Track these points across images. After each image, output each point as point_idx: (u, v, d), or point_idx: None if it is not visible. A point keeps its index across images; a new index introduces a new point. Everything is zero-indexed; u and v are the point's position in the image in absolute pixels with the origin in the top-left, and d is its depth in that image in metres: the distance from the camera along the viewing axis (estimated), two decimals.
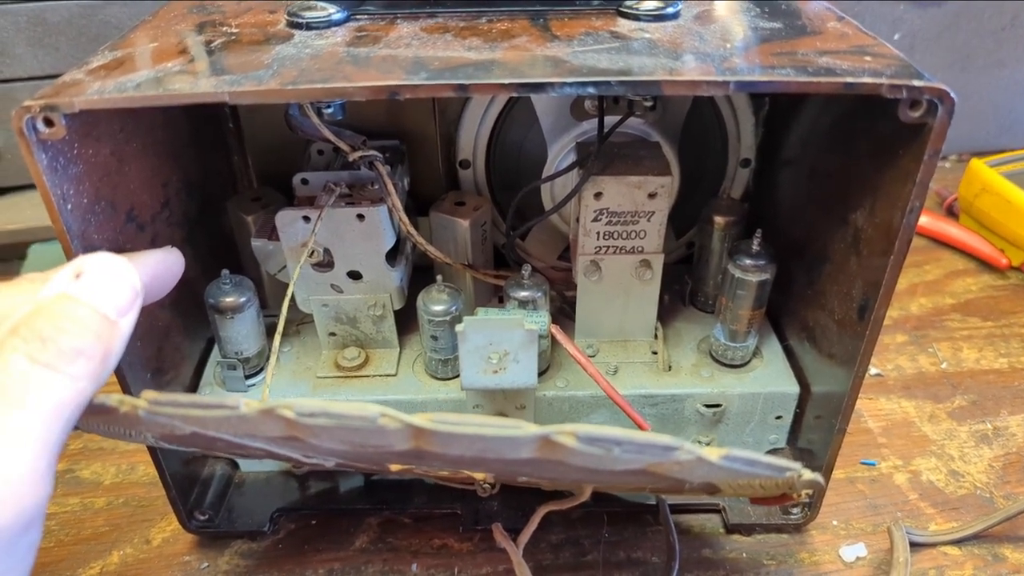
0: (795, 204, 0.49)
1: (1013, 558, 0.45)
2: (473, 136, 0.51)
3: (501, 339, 0.40)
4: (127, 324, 0.30)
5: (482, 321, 0.40)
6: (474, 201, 0.50)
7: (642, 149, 0.46)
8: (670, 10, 0.38)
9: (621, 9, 0.39)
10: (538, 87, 0.31)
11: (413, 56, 0.34)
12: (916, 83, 0.31)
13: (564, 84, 0.31)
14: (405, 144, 0.51)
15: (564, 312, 0.51)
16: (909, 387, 0.57)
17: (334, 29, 0.38)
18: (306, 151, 0.51)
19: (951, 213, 0.73)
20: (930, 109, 0.32)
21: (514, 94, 0.31)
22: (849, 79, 0.32)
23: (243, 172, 0.54)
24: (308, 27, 0.38)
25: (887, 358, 0.59)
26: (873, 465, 0.51)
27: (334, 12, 0.38)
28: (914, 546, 0.46)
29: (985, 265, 0.67)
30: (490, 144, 0.52)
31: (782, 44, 0.35)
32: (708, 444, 0.49)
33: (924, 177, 0.33)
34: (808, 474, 0.33)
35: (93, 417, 0.33)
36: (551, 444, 0.28)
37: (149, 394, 0.29)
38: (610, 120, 0.45)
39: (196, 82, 0.32)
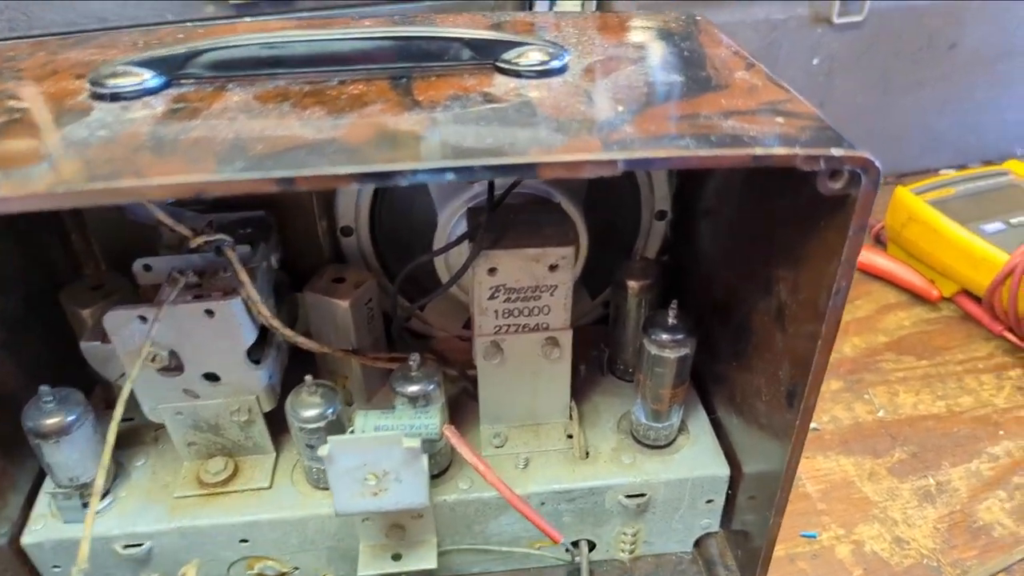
0: (716, 262, 0.44)
1: None
2: (354, 200, 0.45)
3: (378, 459, 0.34)
4: None
5: (351, 441, 0.33)
6: (356, 276, 0.43)
7: (541, 213, 0.40)
8: (555, 64, 0.33)
9: (498, 64, 0.33)
10: (383, 177, 0.25)
11: (233, 137, 0.27)
12: (835, 152, 0.27)
13: (416, 172, 0.25)
14: (275, 213, 0.44)
15: (469, 393, 0.45)
16: (847, 441, 0.53)
17: (148, 99, 0.31)
18: (157, 229, 0.43)
19: (879, 242, 0.70)
20: (852, 180, 0.27)
21: (357, 185, 0.25)
22: (758, 151, 0.27)
23: (87, 255, 0.46)
24: (114, 98, 0.31)
25: (823, 408, 0.55)
26: (814, 537, 0.47)
27: (149, 78, 0.31)
28: None
29: (916, 297, 0.64)
30: (374, 208, 0.45)
31: (682, 104, 0.30)
32: (634, 536, 0.43)
33: (850, 254, 0.29)
34: None
35: None
36: None
37: None
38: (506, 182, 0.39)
39: None
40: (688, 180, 0.46)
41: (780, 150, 0.27)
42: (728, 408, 0.43)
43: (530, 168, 0.26)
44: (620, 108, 0.29)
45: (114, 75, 0.31)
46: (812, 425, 0.54)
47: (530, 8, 0.49)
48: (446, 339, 0.50)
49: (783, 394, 0.35)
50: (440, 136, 0.27)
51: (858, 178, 0.27)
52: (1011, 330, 0.58)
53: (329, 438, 0.33)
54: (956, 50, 0.70)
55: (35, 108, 0.31)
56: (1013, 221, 0.60)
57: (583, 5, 0.49)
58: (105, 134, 0.28)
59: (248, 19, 0.51)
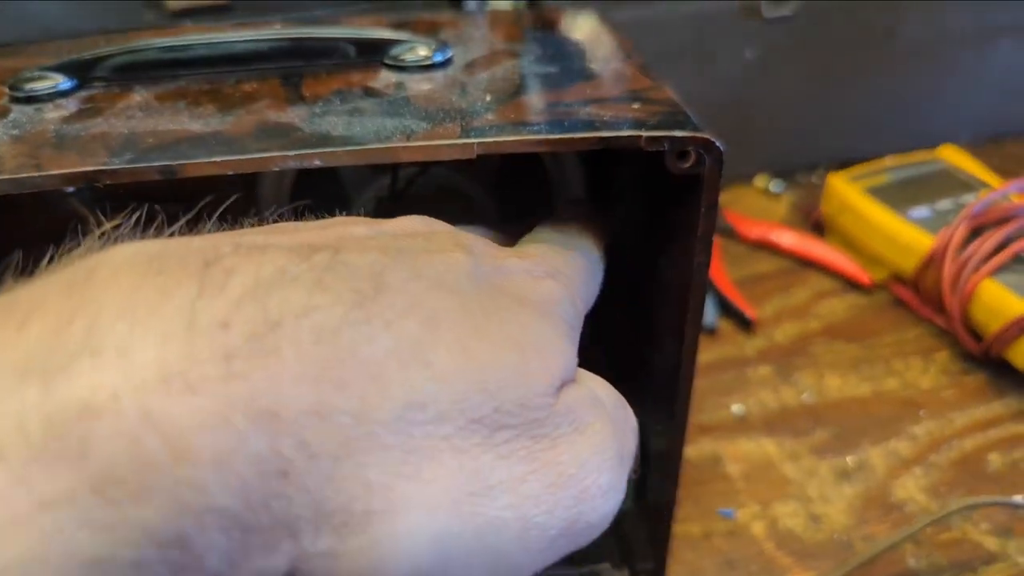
0: (619, 256, 0.46)
1: None
2: (275, 193, 0.47)
3: None
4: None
5: None
6: None
7: (449, 203, 0.43)
8: (438, 58, 0.35)
9: (386, 61, 0.35)
10: (257, 163, 0.28)
11: (127, 132, 0.30)
12: (678, 134, 0.29)
13: (287, 158, 0.28)
14: (188, 211, 0.46)
15: None
16: (771, 424, 0.55)
17: (60, 101, 0.34)
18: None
19: (818, 229, 0.71)
20: (699, 159, 0.29)
21: (231, 171, 0.28)
22: (605, 133, 0.29)
23: None
24: (29, 100, 0.33)
25: (750, 393, 0.57)
26: (730, 516, 0.49)
27: (61, 81, 0.34)
28: None
29: (851, 284, 0.66)
30: (292, 200, 0.47)
31: (549, 94, 0.33)
32: None
33: (705, 232, 0.31)
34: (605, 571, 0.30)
35: None
36: None
37: None
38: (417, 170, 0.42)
39: None
40: (597, 173, 0.48)
41: (627, 131, 0.29)
42: (634, 391, 0.45)
43: (390, 152, 0.28)
44: (488, 98, 0.32)
45: (30, 79, 0.34)
46: (739, 410, 0.56)
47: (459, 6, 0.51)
48: None
49: (669, 370, 0.37)
50: (313, 127, 0.30)
51: (703, 158, 0.29)
52: (937, 313, 0.60)
53: None
54: (893, 39, 0.72)
55: None
56: (939, 206, 0.62)
57: (513, 4, 0.52)
58: (16, 133, 0.31)
59: (189, 22, 0.53)
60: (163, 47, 0.34)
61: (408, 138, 0.28)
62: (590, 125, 0.29)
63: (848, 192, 0.66)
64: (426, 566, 0.20)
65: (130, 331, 0.17)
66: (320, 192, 0.48)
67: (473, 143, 0.28)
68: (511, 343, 0.22)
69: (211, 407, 0.17)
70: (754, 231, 0.71)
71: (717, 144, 0.29)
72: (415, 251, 0.24)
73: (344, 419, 0.18)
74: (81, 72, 0.35)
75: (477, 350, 0.21)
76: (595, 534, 0.24)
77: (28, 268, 0.21)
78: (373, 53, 0.36)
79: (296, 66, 0.35)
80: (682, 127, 0.29)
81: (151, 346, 0.17)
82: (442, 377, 0.20)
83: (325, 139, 0.28)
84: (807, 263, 0.69)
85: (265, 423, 0.17)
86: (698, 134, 0.29)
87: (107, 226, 0.36)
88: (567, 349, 0.25)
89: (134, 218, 0.24)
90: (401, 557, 0.19)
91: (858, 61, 0.74)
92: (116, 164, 0.28)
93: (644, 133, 0.29)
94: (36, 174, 0.27)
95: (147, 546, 0.16)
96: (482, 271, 0.24)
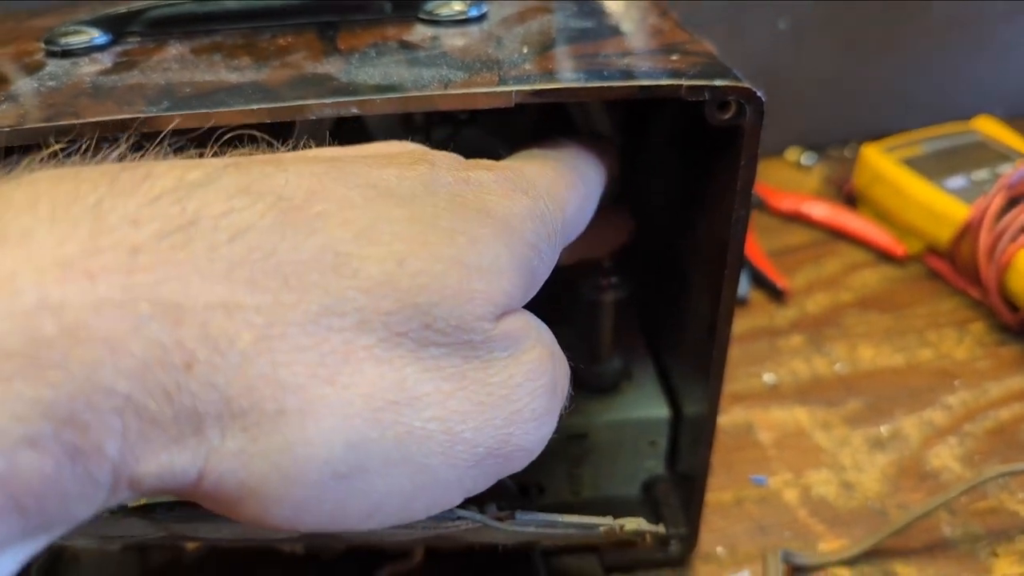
0: (655, 213, 0.46)
1: (904, 574, 0.43)
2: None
3: None
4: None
5: None
6: None
7: None
8: (473, 12, 0.35)
9: (420, 16, 0.35)
10: (291, 112, 0.28)
11: (164, 83, 0.30)
12: (718, 83, 0.28)
13: (324, 106, 0.28)
14: None
15: None
16: (804, 393, 0.54)
17: (96, 55, 0.34)
18: None
19: (851, 202, 0.70)
20: (739, 110, 0.29)
21: (267, 120, 0.27)
22: (645, 82, 0.28)
23: None
24: (65, 55, 0.33)
25: (781, 363, 0.56)
26: (762, 482, 0.48)
27: (96, 36, 0.34)
28: (801, 570, 0.43)
29: (884, 256, 0.65)
30: None
31: (586, 46, 0.32)
32: (580, 477, 0.45)
33: (744, 185, 0.30)
34: (632, 523, 0.29)
35: None
36: None
37: None
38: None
39: None
40: (631, 135, 0.48)
41: (665, 81, 0.28)
42: (670, 352, 0.45)
43: (427, 100, 0.28)
44: (525, 50, 0.31)
45: (65, 34, 0.34)
46: (771, 379, 0.55)
47: None
48: None
49: (704, 329, 0.37)
50: (350, 77, 0.29)
51: (743, 109, 0.29)
52: (972, 284, 0.59)
53: None
54: (928, 11, 0.71)
55: None
56: (975, 176, 0.61)
57: None
58: (53, 84, 0.31)
59: None
60: (198, 1, 0.34)
61: (446, 87, 0.28)
62: (629, 74, 0.29)
63: (882, 163, 0.65)
64: (342, 470, 0.19)
65: (36, 222, 0.17)
66: None
67: (511, 91, 0.28)
68: (455, 261, 0.21)
69: (109, 293, 0.17)
70: (785, 203, 0.70)
71: (758, 94, 0.29)
72: (373, 164, 0.23)
73: (254, 317, 0.18)
74: (116, 26, 0.35)
75: (415, 264, 0.20)
76: (527, 459, 0.23)
77: None
78: (407, 8, 0.35)
79: (331, 21, 0.35)
80: (722, 77, 0.29)
81: (55, 235, 0.17)
82: (368, 288, 0.20)
83: (362, 88, 0.28)
84: (839, 235, 0.68)
85: (166, 312, 0.17)
86: (739, 83, 0.28)
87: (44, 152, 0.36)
88: (519, 277, 0.23)
89: None
90: (314, 459, 0.19)
91: (892, 33, 0.73)
92: (154, 112, 0.28)
93: (684, 82, 0.28)
94: (74, 121, 0.27)
95: (39, 422, 0.16)
96: (443, 182, 0.23)
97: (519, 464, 0.23)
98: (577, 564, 0.45)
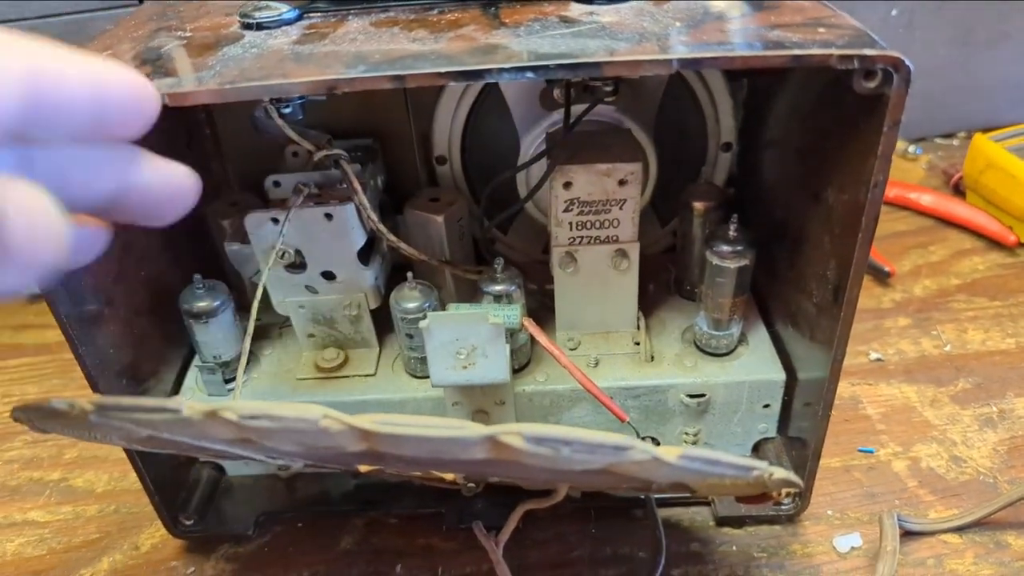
0: (776, 186, 0.47)
1: (1016, 545, 0.43)
2: (447, 131, 0.51)
3: (467, 334, 0.40)
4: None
5: (446, 316, 0.39)
6: (449, 197, 0.49)
7: (611, 136, 0.45)
8: None
9: None
10: (475, 75, 0.31)
11: (355, 51, 0.34)
12: (868, 52, 0.30)
13: (502, 70, 0.31)
14: (379, 142, 0.51)
15: (547, 306, 0.51)
16: (911, 371, 0.55)
17: (285, 28, 0.38)
18: (283, 154, 0.51)
19: (958, 191, 0.70)
20: (885, 79, 0.31)
21: (451, 83, 0.31)
22: (797, 52, 0.31)
23: (222, 177, 0.54)
24: (259, 27, 0.38)
25: (888, 342, 0.57)
26: (871, 452, 0.50)
27: (286, 11, 0.38)
28: (912, 535, 0.44)
29: (993, 243, 0.65)
30: (464, 138, 0.51)
31: (734, 21, 0.34)
32: (695, 436, 0.48)
33: (885, 150, 0.32)
34: (780, 472, 0.31)
35: (51, 420, 0.33)
36: (499, 445, 0.27)
37: (94, 397, 0.29)
38: (580, 109, 0.44)
39: None
40: (752, 111, 0.50)
41: (817, 50, 0.31)
42: (785, 320, 0.46)
43: (596, 66, 0.31)
44: (678, 24, 0.34)
45: (258, 9, 0.38)
46: (877, 356, 0.56)
47: None
48: (527, 263, 0.56)
49: (830, 292, 0.38)
50: (522, 46, 0.33)
51: (890, 77, 0.31)
52: None
53: (429, 314, 0.39)
54: None
55: (198, 36, 0.38)
56: None
57: None
58: (256, 51, 0.35)
59: None
60: None
61: (611, 54, 0.31)
62: (781, 45, 0.31)
63: (995, 151, 0.65)
64: None
65: None
66: (490, 128, 0.51)
67: (672, 59, 0.30)
68: None
69: None
70: (891, 191, 0.70)
71: (906, 62, 0.30)
72: None
73: None
74: (303, 2, 0.39)
75: None
76: None
77: None
78: None
79: None
80: (871, 47, 0.31)
81: None
82: None
83: (536, 56, 0.31)
84: (946, 223, 0.68)
85: None
86: (888, 53, 0.30)
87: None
88: None
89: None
90: None
91: (1005, 23, 0.72)
92: (353, 74, 0.31)
93: (835, 52, 0.30)
94: (285, 81, 0.31)
95: None
96: None
97: None
98: (689, 516, 0.47)
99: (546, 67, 0.31)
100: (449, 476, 0.38)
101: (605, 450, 0.27)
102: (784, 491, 0.36)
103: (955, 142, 0.77)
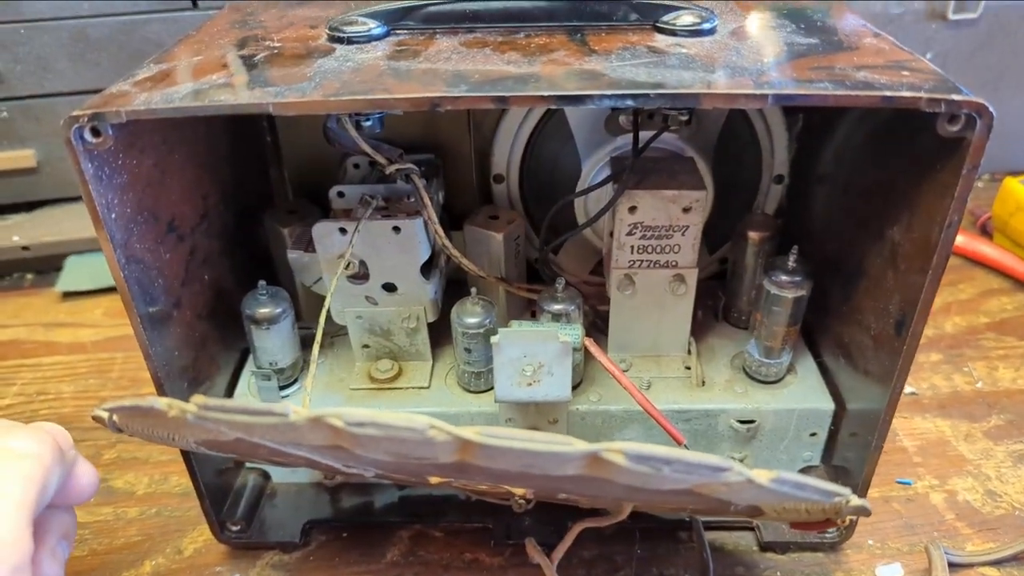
0: (830, 220, 0.49)
1: None
2: (507, 151, 0.52)
3: (536, 351, 0.40)
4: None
5: (517, 333, 0.40)
6: (507, 215, 0.50)
7: (676, 164, 0.46)
8: (706, 26, 0.39)
9: (658, 25, 0.39)
10: (578, 99, 0.32)
11: (453, 70, 0.34)
12: (955, 97, 0.31)
13: (604, 96, 0.32)
14: (440, 158, 0.51)
15: (597, 327, 0.51)
16: (944, 406, 0.56)
17: (374, 43, 0.39)
18: (341, 165, 0.51)
19: (984, 232, 0.72)
20: (968, 123, 0.32)
21: (553, 106, 0.32)
22: (888, 93, 0.32)
23: (280, 185, 0.55)
24: (349, 41, 0.39)
25: (921, 377, 0.58)
26: (909, 484, 0.51)
27: (374, 27, 0.39)
28: (952, 566, 0.45)
29: (1020, 284, 0.66)
30: (524, 159, 0.52)
31: (819, 59, 0.36)
32: (742, 461, 0.48)
33: (962, 191, 0.33)
34: (856, 500, 0.32)
35: (139, 419, 0.33)
36: (599, 462, 0.27)
37: (199, 399, 0.29)
38: (645, 136, 0.45)
39: (239, 94, 0.33)
40: (806, 145, 0.51)
41: (907, 93, 0.32)
42: (835, 351, 0.47)
43: (695, 97, 0.32)
44: (764, 60, 0.35)
45: (348, 23, 0.39)
46: (911, 390, 0.57)
47: None
48: (576, 283, 0.56)
49: (892, 325, 0.39)
50: (618, 74, 0.34)
51: (973, 121, 0.32)
52: None
53: (500, 329, 0.40)
54: None
55: (287, 47, 0.39)
56: None
57: None
58: (352, 65, 0.36)
59: None
60: (463, 1, 0.39)
61: (708, 86, 0.32)
62: (871, 86, 0.32)
63: None
64: None
65: None
66: (551, 150, 0.52)
67: (768, 94, 0.32)
68: None
69: None
70: None
71: (990, 109, 0.32)
72: None
73: None
74: (391, 19, 0.40)
75: None
76: None
77: None
78: (644, 18, 0.40)
79: (575, 25, 0.40)
80: (957, 92, 0.32)
81: None
82: None
83: (634, 84, 0.32)
84: (974, 263, 0.69)
85: None
86: (974, 99, 0.32)
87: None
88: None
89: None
90: None
91: None
92: (456, 92, 0.32)
93: (924, 95, 0.32)
94: (389, 96, 0.32)
95: None
96: None
97: None
98: (733, 541, 0.48)
99: (646, 96, 0.32)
100: (520, 491, 0.38)
101: (703, 470, 0.28)
102: (848, 518, 0.36)
103: (980, 184, 0.79)
